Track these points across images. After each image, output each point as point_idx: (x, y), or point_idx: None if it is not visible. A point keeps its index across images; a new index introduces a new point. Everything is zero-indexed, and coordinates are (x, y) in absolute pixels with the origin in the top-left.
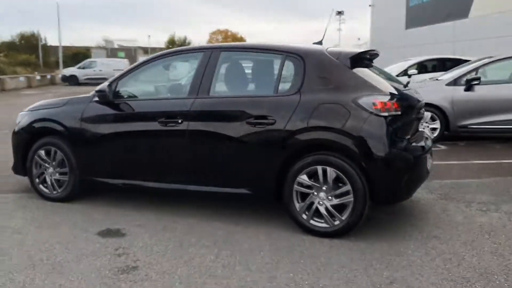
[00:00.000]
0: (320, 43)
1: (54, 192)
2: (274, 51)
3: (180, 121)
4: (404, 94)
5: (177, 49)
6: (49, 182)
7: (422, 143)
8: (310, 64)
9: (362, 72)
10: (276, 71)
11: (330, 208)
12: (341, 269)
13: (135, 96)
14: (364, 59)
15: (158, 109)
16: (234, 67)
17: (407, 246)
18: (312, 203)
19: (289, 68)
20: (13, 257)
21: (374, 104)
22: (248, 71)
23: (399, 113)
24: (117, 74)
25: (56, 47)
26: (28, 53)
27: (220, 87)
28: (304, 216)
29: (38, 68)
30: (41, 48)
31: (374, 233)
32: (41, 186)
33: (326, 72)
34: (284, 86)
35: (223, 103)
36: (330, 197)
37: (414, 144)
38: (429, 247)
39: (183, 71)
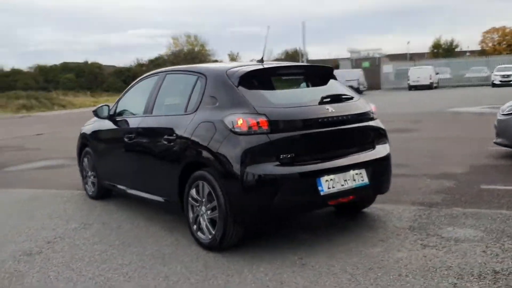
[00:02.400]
0: (261, 61)
1: None
2: (193, 72)
3: (133, 136)
4: (294, 111)
5: (148, 73)
6: None
7: (322, 164)
8: (209, 84)
9: (249, 90)
10: (189, 91)
11: (206, 221)
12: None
13: (121, 114)
14: (261, 76)
15: (126, 125)
16: (168, 88)
17: (285, 271)
18: (198, 215)
19: (197, 88)
20: None
21: (235, 122)
22: (178, 91)
23: (267, 130)
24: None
25: (312, 61)
26: None
27: (157, 107)
28: (194, 227)
29: None
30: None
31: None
32: None
33: (216, 91)
34: (191, 105)
35: (154, 121)
36: (207, 211)
37: (302, 164)
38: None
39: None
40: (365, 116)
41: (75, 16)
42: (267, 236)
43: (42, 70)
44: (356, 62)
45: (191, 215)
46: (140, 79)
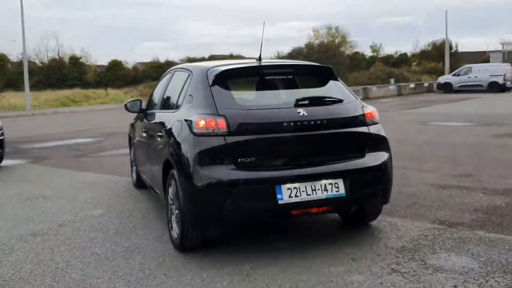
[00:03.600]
0: (259, 59)
1: None
2: (186, 70)
3: (147, 130)
4: (259, 113)
5: (169, 69)
6: None
7: (284, 171)
8: (192, 82)
9: (222, 89)
10: (180, 89)
11: (174, 221)
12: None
13: (149, 109)
14: (241, 75)
15: (145, 120)
16: (171, 85)
17: (225, 279)
18: (172, 213)
19: (185, 85)
20: None
21: (195, 123)
22: (175, 88)
23: (225, 132)
24: None
25: (462, 53)
26: (437, 61)
27: (163, 103)
28: (169, 225)
29: (442, 75)
30: (449, 55)
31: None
32: None
33: (194, 89)
34: (178, 103)
35: (157, 117)
36: (175, 211)
37: (261, 170)
38: None
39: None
40: (353, 121)
41: (228, 10)
42: (242, 238)
43: (192, 62)
44: (508, 55)
45: (168, 212)
46: (162, 75)
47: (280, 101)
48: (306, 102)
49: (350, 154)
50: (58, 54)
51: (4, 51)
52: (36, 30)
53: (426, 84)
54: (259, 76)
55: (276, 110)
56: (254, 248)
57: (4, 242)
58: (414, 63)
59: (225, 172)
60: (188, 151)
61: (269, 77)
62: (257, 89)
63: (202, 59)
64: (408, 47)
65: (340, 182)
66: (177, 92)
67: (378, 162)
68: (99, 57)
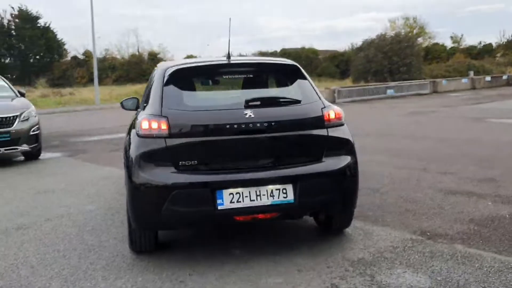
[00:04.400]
0: (228, 56)
1: None
2: (156, 68)
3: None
4: (202, 114)
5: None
6: None
7: (225, 176)
8: (153, 82)
9: (174, 89)
10: (149, 88)
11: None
12: None
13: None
14: (195, 74)
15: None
16: (149, 83)
17: (157, 284)
18: None
19: (151, 85)
20: None
21: (140, 124)
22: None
23: (166, 135)
24: None
25: None
26: None
27: (142, 102)
28: None
29: None
30: None
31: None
32: None
33: (152, 89)
34: (144, 103)
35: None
36: None
37: (201, 173)
38: None
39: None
40: (308, 124)
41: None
42: (201, 242)
43: (263, 56)
44: None
45: None
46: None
47: (231, 101)
48: (258, 103)
49: (303, 158)
50: (138, 50)
51: (89, 48)
52: (118, 27)
53: (505, 77)
54: (218, 75)
55: (221, 111)
56: (208, 253)
57: None
58: (498, 55)
59: (163, 175)
60: (132, 153)
61: (228, 76)
62: (212, 89)
63: (274, 53)
64: (493, 38)
65: (289, 188)
66: (146, 92)
67: (335, 167)
68: (176, 53)
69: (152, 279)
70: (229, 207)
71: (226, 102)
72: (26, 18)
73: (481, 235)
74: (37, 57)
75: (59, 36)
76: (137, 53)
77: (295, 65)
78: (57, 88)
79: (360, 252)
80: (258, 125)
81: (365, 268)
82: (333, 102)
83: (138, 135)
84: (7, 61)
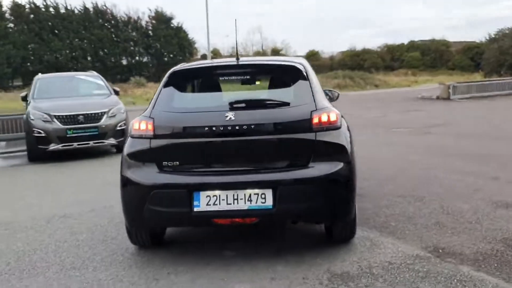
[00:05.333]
0: (237, 58)
1: None
2: None
3: None
4: (185, 116)
5: None
6: None
7: (204, 178)
8: None
9: (171, 90)
10: None
11: None
12: None
13: None
14: (193, 76)
15: None
16: None
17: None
18: None
19: None
20: None
21: (131, 125)
22: None
23: (151, 135)
24: None
25: None
26: None
27: None
28: None
29: None
30: None
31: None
32: None
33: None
34: None
35: None
36: None
37: (181, 174)
38: None
39: None
40: (293, 127)
41: None
42: (198, 241)
43: (389, 49)
44: None
45: None
46: None
47: (218, 103)
48: (243, 105)
49: (287, 163)
50: (262, 47)
51: (217, 46)
52: (244, 24)
53: None
54: (216, 77)
55: (203, 113)
56: (199, 253)
57: None
58: None
59: (145, 175)
60: (124, 152)
61: (224, 78)
62: (205, 91)
63: (401, 46)
64: None
65: (269, 193)
66: None
67: (321, 174)
68: (299, 48)
69: (132, 274)
70: (205, 210)
71: (213, 104)
72: (161, 19)
73: (501, 257)
74: (171, 55)
75: (190, 36)
76: (261, 50)
77: (294, 66)
78: None
79: (349, 265)
80: (237, 127)
81: (341, 283)
82: (447, 98)
83: (130, 135)
84: (144, 59)
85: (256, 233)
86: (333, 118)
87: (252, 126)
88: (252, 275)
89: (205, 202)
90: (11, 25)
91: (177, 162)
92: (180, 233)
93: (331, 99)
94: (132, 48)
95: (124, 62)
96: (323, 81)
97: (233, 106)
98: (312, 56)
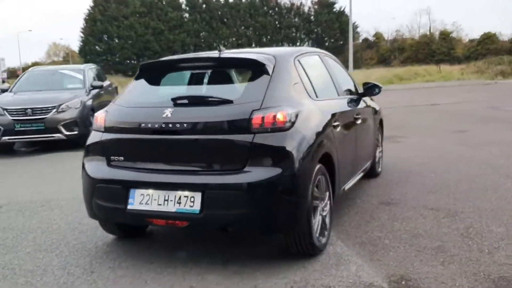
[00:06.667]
0: (218, 49)
1: None
2: None
3: None
4: (129, 111)
5: None
6: None
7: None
8: None
9: (138, 84)
10: None
11: None
12: None
13: None
14: (157, 69)
15: None
16: None
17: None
18: None
19: None
20: None
21: (94, 118)
22: None
23: (102, 129)
24: None
25: None
26: None
27: None
28: None
29: None
30: None
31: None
32: None
33: None
34: None
35: None
36: None
37: (122, 170)
38: None
39: None
40: (233, 127)
41: None
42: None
43: None
44: None
45: None
46: None
47: (162, 99)
48: (185, 101)
49: (221, 165)
50: (429, 30)
51: (380, 30)
52: (410, 5)
53: None
54: (180, 70)
55: (144, 109)
56: (156, 250)
57: None
58: None
59: (93, 168)
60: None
61: (187, 71)
62: (163, 85)
63: None
64: None
65: (198, 197)
66: None
67: (252, 180)
68: (472, 31)
69: (77, 263)
70: (137, 208)
71: (158, 99)
72: (323, 4)
73: None
74: (332, 40)
75: (352, 20)
76: (428, 33)
77: (256, 60)
78: (350, 70)
79: (282, 283)
80: (170, 125)
81: None
82: None
83: (94, 129)
84: (305, 45)
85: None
86: (280, 118)
87: (185, 125)
88: (177, 281)
89: (138, 200)
90: (186, 15)
91: (122, 158)
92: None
93: (363, 95)
94: (293, 34)
95: None
96: (481, 67)
97: (176, 102)
98: (487, 39)
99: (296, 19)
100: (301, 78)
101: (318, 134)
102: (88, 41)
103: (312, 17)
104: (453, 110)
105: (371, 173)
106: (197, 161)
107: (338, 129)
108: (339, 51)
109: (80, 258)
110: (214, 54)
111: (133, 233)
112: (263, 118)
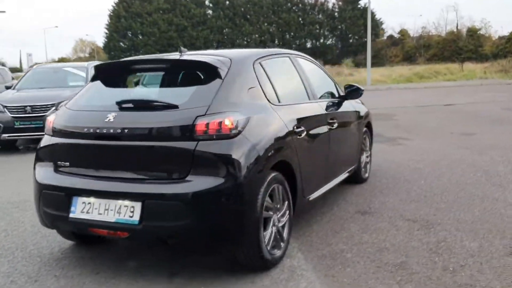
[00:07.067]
0: (179, 51)
1: None
2: None
3: None
4: (74, 114)
5: None
6: None
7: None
8: None
9: (93, 86)
10: None
11: None
12: None
13: None
14: (110, 71)
15: None
16: None
17: None
18: None
19: None
20: None
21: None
22: None
23: (51, 133)
24: None
25: None
26: None
27: None
28: None
29: None
30: None
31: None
32: None
33: None
34: None
35: None
36: None
37: (66, 176)
38: None
39: None
40: (176, 134)
41: None
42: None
43: None
44: None
45: None
46: None
47: (108, 102)
48: (130, 105)
49: (162, 174)
50: (456, 27)
51: (405, 27)
52: (437, 1)
53: None
54: (131, 73)
55: (88, 112)
56: (107, 259)
57: None
58: None
59: (39, 174)
60: None
61: (139, 74)
62: (114, 88)
63: None
64: None
65: (138, 207)
66: None
67: (193, 190)
68: (502, 28)
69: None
70: (78, 217)
71: (104, 103)
72: (348, 0)
73: None
74: (356, 37)
75: (377, 16)
76: (455, 30)
77: (208, 64)
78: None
79: None
80: (112, 130)
81: None
82: None
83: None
84: (328, 42)
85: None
86: (227, 124)
87: (126, 130)
88: None
89: (80, 208)
90: (210, 11)
91: (68, 164)
92: None
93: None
94: (317, 30)
95: (309, 45)
96: (505, 65)
97: (121, 106)
98: None
99: (320, 16)
100: (259, 82)
101: (273, 141)
102: (113, 37)
103: (336, 14)
104: (466, 111)
105: (356, 179)
106: (138, 169)
107: (303, 135)
108: (363, 48)
109: (30, 265)
110: (172, 56)
111: (90, 239)
112: (207, 124)
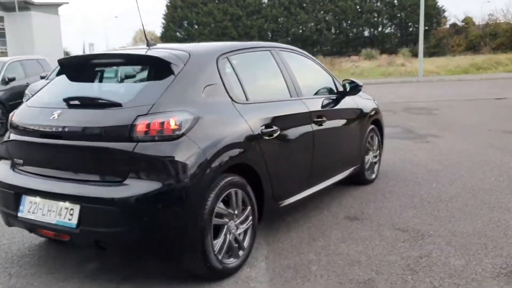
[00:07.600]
0: (147, 44)
1: None
2: None
3: None
4: (27, 111)
5: None
6: None
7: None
8: None
9: (58, 81)
10: None
11: None
12: None
13: None
14: (73, 65)
15: None
16: None
17: None
18: None
19: None
20: None
21: None
22: None
23: (11, 129)
24: None
25: None
26: None
27: None
28: None
29: None
30: None
31: None
32: None
33: None
34: None
35: None
36: None
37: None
38: None
39: None
40: (115, 134)
41: None
42: None
43: None
44: None
45: None
46: None
47: (59, 99)
48: (77, 102)
49: (101, 176)
50: None
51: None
52: None
53: None
54: (90, 67)
55: (38, 109)
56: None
57: None
58: None
59: None
60: None
61: (98, 68)
62: (69, 83)
63: None
64: None
65: (76, 209)
66: None
67: (126, 194)
68: None
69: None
70: (26, 217)
71: (53, 99)
72: None
73: None
74: (416, 25)
75: (439, 4)
76: None
77: (160, 59)
78: (432, 58)
79: None
80: (54, 129)
81: None
82: None
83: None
84: (387, 30)
85: None
86: (171, 125)
87: (67, 129)
88: None
89: (27, 208)
90: (265, 0)
91: (21, 161)
92: None
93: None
94: (375, 19)
95: (366, 33)
96: None
97: (68, 104)
98: None
99: (378, 4)
100: (222, 79)
101: (228, 143)
102: (169, 27)
103: (395, 1)
104: None
105: (360, 181)
106: (79, 170)
107: (275, 135)
108: (424, 37)
109: (21, 259)
110: (138, 49)
111: None
112: (148, 124)
